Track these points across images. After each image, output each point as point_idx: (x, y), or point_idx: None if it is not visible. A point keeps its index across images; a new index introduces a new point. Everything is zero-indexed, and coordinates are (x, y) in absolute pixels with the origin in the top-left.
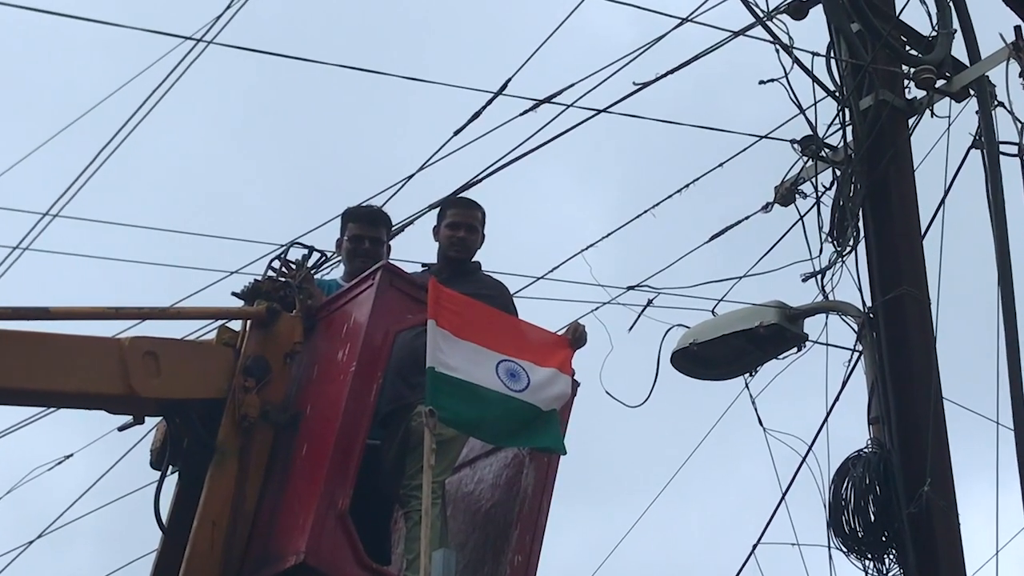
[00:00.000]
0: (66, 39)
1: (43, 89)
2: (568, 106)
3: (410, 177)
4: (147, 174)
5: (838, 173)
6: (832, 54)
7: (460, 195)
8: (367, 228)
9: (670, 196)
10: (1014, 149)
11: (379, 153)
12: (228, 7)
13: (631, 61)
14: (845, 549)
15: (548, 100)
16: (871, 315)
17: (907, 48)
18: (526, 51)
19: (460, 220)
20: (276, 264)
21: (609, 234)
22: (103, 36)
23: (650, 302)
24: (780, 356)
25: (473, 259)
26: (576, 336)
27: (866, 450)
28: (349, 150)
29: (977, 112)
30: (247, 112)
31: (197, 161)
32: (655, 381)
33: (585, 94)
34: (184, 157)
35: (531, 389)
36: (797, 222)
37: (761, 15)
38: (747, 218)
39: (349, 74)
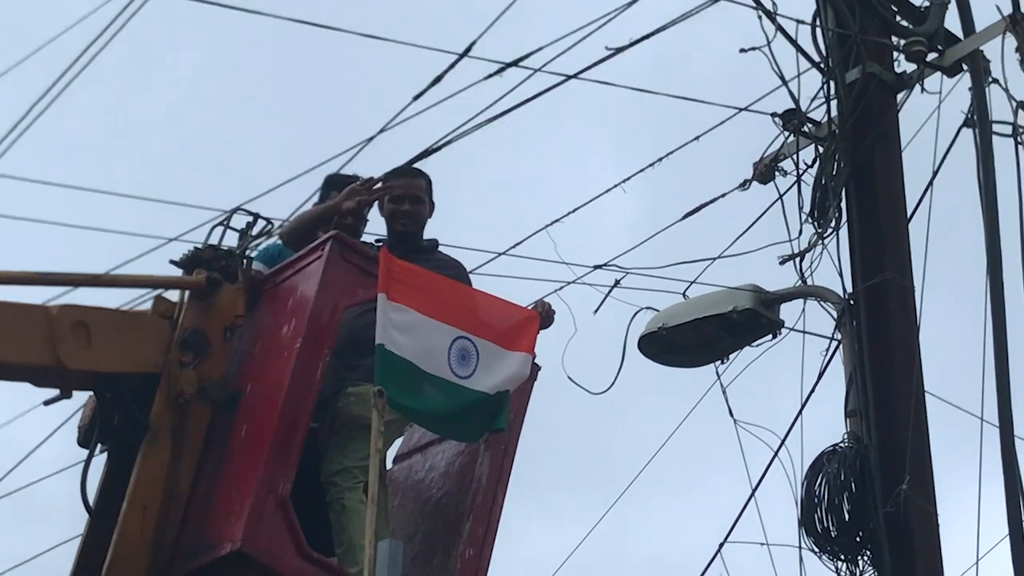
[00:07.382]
0: None
1: None
2: (535, 70)
3: (371, 139)
4: (85, 132)
5: (821, 150)
6: (818, 22)
7: (402, 166)
8: None
9: (642, 170)
10: (1008, 129)
11: (347, 115)
12: None
13: (605, 24)
14: (817, 549)
15: (514, 64)
16: (851, 302)
17: (897, 18)
18: (507, 13)
19: (403, 192)
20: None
21: (574, 210)
22: None
23: (617, 283)
24: (754, 343)
25: (424, 232)
26: (543, 315)
27: (842, 445)
28: (315, 111)
29: (970, 89)
30: (203, 68)
31: (146, 120)
32: (620, 367)
33: (554, 59)
34: (131, 115)
35: (478, 374)
36: (776, 201)
37: None
38: (723, 196)
39: (320, 32)
